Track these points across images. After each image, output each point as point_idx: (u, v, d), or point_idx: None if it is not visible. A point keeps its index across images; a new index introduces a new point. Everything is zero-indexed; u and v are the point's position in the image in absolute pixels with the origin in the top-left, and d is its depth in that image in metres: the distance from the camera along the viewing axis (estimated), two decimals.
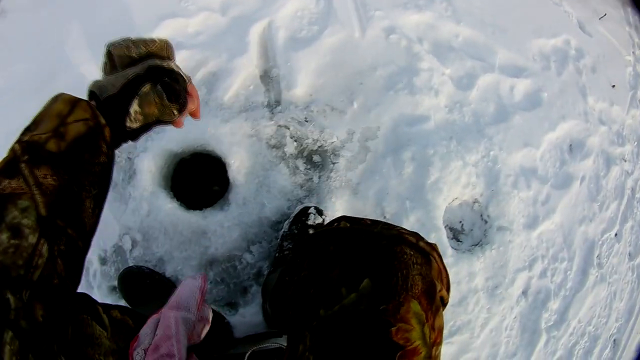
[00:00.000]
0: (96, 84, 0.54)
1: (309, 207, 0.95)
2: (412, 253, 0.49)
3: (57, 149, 0.46)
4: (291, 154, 1.01)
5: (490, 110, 1.18)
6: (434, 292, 0.48)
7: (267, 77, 1.05)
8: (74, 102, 0.49)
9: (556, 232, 1.26)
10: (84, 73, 1.16)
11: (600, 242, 1.39)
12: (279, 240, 0.95)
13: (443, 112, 1.10)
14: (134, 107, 0.53)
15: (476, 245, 1.12)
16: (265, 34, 1.08)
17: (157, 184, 1.06)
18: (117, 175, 1.13)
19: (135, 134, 0.56)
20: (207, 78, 1.07)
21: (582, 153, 1.35)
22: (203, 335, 0.64)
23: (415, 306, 0.45)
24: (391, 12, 1.16)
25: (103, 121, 0.51)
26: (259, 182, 0.98)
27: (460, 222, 1.11)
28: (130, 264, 1.13)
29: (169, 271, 1.06)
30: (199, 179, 1.05)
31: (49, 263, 0.42)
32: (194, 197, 1.04)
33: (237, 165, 0.99)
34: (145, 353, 0.61)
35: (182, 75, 0.58)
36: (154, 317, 0.63)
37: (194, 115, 0.62)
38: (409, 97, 1.07)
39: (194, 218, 1.01)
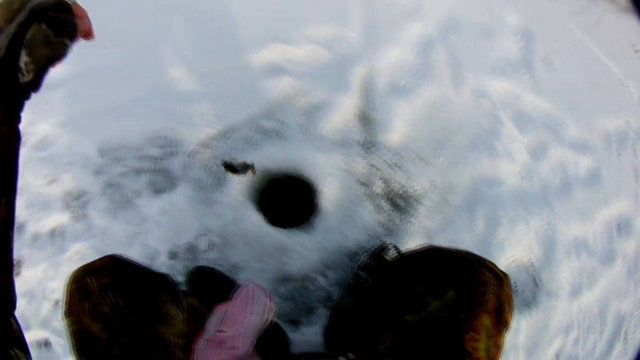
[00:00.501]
0: None
1: (389, 244, 1.03)
2: (490, 275, 0.59)
3: None
4: (378, 194, 1.09)
5: (556, 181, 1.26)
6: (502, 312, 0.58)
7: (365, 118, 1.14)
8: None
9: (594, 303, 1.34)
10: (184, 89, 1.24)
11: (629, 318, 1.47)
12: (355, 269, 1.03)
13: (516, 178, 1.19)
14: (24, 59, 0.49)
15: (525, 305, 1.20)
16: (367, 76, 1.17)
17: (247, 196, 1.15)
18: (205, 178, 1.21)
19: (33, 85, 0.53)
20: (308, 107, 1.16)
21: (628, 232, 1.43)
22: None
23: (486, 320, 0.54)
24: (481, 76, 1.24)
25: None
26: (346, 214, 1.07)
27: (515, 282, 1.19)
28: (202, 264, 1.20)
29: (241, 279, 1.14)
30: (287, 200, 1.13)
31: None
32: (280, 216, 1.12)
33: (328, 194, 1.07)
34: (207, 343, 0.64)
35: (64, 2, 0.55)
36: (222, 308, 0.66)
37: (87, 35, 0.58)
38: (489, 159, 1.16)
39: (278, 235, 1.09)
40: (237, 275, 1.15)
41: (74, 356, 0.58)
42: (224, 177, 1.18)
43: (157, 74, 1.27)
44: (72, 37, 0.54)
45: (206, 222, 1.18)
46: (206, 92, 1.27)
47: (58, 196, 1.21)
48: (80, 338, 0.57)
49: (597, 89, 1.53)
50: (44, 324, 1.18)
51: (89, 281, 0.62)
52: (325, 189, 1.09)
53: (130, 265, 0.69)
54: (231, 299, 0.66)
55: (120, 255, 0.70)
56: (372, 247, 1.03)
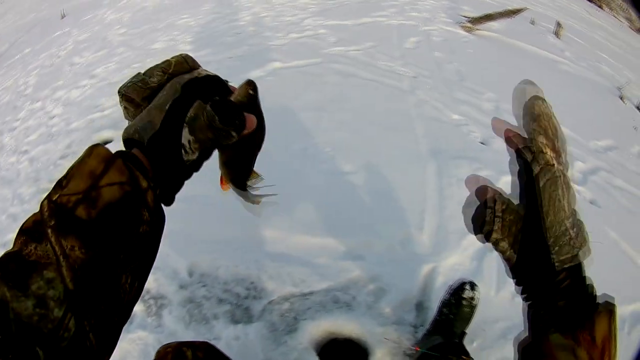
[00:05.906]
0: (130, 129, 0.47)
1: (467, 282, 1.26)
2: None
3: (87, 217, 0.40)
4: None
5: None
6: None
7: (419, 305, 1.39)
8: (108, 160, 0.42)
9: None
10: None
11: None
12: (439, 306, 1.29)
13: None
14: (186, 136, 0.46)
15: None
16: (428, 274, 1.40)
17: (312, 346, 1.41)
18: (279, 323, 1.47)
19: (196, 165, 0.49)
20: (376, 290, 1.39)
21: None
22: None
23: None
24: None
25: (144, 184, 0.43)
26: None
27: None
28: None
29: None
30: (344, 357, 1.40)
31: (76, 338, 0.38)
32: None
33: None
34: None
35: (217, 78, 0.50)
36: None
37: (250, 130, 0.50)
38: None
39: None
40: None
41: None
42: (295, 328, 1.43)
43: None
44: (239, 131, 0.48)
45: (271, 356, 1.45)
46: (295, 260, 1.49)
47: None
48: None
49: None
50: None
51: (184, 349, 0.75)
52: (377, 354, 1.36)
53: (221, 354, 0.84)
54: None
55: (214, 345, 0.86)
56: (452, 285, 1.26)
